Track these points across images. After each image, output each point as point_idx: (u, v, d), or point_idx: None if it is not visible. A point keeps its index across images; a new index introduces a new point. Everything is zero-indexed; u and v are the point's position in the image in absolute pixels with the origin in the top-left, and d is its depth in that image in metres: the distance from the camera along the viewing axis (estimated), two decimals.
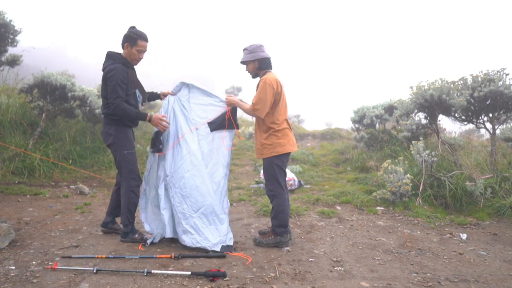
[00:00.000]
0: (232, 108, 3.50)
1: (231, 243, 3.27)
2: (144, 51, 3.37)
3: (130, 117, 3.31)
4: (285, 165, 3.47)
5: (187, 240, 3.20)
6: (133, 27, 3.31)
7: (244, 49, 3.49)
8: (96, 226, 3.90)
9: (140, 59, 3.40)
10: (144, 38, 3.31)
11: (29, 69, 8.00)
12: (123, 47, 3.33)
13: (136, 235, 3.39)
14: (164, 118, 3.33)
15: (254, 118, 3.67)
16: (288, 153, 3.44)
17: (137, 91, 3.47)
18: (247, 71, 3.56)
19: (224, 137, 3.47)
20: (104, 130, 3.38)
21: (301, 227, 4.14)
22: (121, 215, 3.39)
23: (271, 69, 3.50)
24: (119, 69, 3.21)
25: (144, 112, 3.36)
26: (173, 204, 3.27)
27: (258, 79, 3.50)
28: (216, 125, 3.44)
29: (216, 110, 3.47)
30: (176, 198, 3.25)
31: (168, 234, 3.32)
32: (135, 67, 3.48)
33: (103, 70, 3.30)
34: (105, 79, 3.26)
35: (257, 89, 3.42)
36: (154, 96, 3.68)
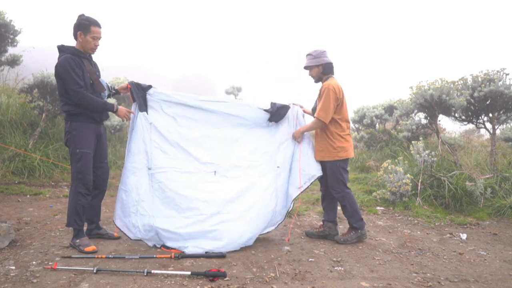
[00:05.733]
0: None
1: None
2: (99, 37, 3.20)
3: (96, 108, 3.15)
4: (347, 167, 3.64)
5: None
6: (82, 15, 3.16)
7: (308, 55, 3.59)
8: None
9: (96, 46, 3.21)
10: (97, 24, 3.15)
11: (29, 69, 7.99)
12: (76, 38, 3.16)
13: (78, 241, 3.12)
14: (130, 111, 3.31)
15: None
16: (348, 158, 3.61)
17: (102, 80, 3.35)
18: (310, 76, 3.67)
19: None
20: (64, 128, 3.23)
21: (301, 227, 4.14)
22: (68, 217, 3.15)
23: (333, 74, 3.61)
24: (68, 58, 3.04)
25: (110, 103, 3.22)
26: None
27: (316, 83, 3.67)
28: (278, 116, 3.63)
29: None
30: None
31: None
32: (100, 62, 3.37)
33: None
34: (57, 74, 3.09)
35: (319, 95, 3.54)
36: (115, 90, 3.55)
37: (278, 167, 3.56)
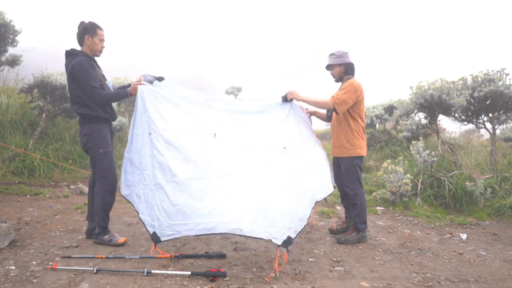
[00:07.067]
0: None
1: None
2: (104, 39, 3.37)
3: (114, 100, 3.42)
4: (362, 165, 3.67)
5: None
6: (83, 22, 3.30)
7: (331, 54, 3.66)
8: None
9: (102, 48, 3.38)
10: (100, 27, 3.33)
11: (29, 69, 8.00)
12: (82, 43, 3.29)
13: (106, 236, 3.28)
14: (138, 81, 3.30)
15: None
16: (364, 156, 3.64)
17: (108, 83, 3.45)
18: (332, 75, 3.71)
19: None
20: (80, 131, 3.33)
21: None
22: (96, 215, 3.30)
23: (353, 75, 3.66)
24: (84, 61, 3.17)
25: (122, 90, 3.41)
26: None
27: (339, 83, 3.69)
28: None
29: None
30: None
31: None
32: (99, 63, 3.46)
33: (66, 67, 3.23)
34: (72, 76, 3.18)
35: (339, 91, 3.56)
36: (123, 88, 3.58)
37: (284, 148, 3.32)
